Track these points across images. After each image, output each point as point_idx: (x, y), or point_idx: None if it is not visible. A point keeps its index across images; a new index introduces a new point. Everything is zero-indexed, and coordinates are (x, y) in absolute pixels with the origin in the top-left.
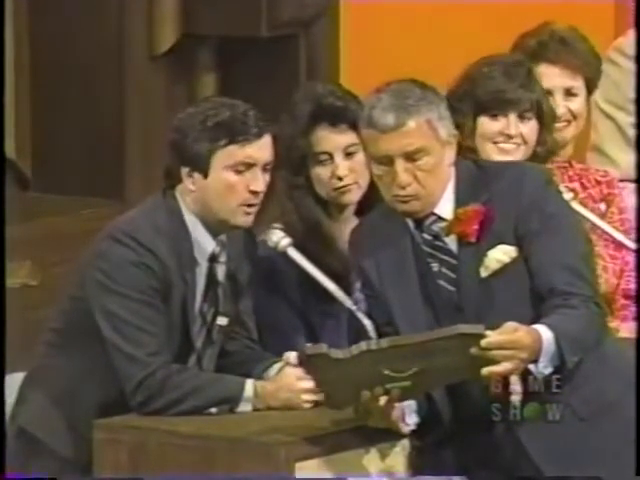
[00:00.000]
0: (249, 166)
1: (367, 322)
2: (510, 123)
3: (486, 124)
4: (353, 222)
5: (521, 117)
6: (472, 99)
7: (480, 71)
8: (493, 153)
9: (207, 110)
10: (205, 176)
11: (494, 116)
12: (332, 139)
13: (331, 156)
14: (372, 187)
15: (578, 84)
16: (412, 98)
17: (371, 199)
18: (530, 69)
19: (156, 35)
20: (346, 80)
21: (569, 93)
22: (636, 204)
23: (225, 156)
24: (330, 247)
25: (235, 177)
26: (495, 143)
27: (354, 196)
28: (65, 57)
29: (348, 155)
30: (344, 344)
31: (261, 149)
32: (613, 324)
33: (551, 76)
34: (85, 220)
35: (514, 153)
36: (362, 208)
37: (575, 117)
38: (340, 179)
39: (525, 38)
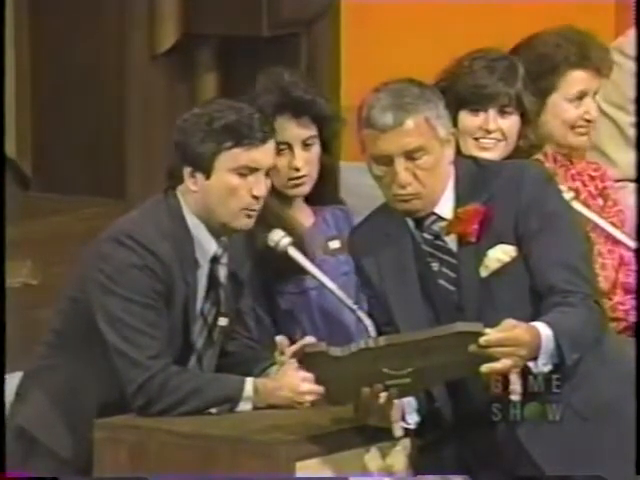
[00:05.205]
0: (253, 170)
1: (368, 322)
2: (489, 118)
3: (466, 119)
4: (304, 210)
5: (501, 112)
6: (453, 94)
7: (461, 65)
8: (473, 149)
9: (213, 112)
10: (207, 177)
11: (474, 111)
12: (293, 130)
13: (290, 147)
14: (320, 179)
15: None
16: (410, 97)
17: (319, 190)
18: (513, 64)
19: (156, 35)
20: (347, 79)
21: (594, 95)
22: (636, 204)
23: (229, 159)
24: (291, 235)
25: (238, 180)
26: (475, 139)
27: (307, 188)
28: (65, 57)
29: (306, 147)
30: (318, 321)
31: (265, 154)
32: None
33: (588, 80)
34: (86, 219)
35: (494, 149)
36: (308, 198)
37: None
38: (297, 170)
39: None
